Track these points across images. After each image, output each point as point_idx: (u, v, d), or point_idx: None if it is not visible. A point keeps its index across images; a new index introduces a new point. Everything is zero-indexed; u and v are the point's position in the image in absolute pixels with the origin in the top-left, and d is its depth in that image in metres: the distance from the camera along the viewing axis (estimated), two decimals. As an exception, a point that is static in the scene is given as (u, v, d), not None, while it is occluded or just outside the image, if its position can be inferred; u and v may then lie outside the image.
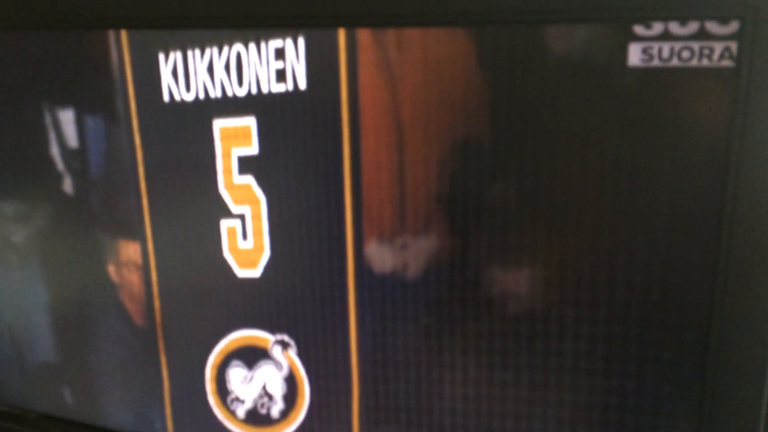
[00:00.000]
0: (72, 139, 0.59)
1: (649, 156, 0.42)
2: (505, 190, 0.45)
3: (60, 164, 0.60)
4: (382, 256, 0.49)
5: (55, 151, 0.60)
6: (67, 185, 0.60)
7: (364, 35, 0.45)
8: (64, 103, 0.58)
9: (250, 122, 0.51)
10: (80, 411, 0.68)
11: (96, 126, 0.57)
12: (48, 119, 0.59)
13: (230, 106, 0.51)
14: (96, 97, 0.56)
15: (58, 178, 0.61)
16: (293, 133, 0.49)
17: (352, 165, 0.48)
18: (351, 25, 0.46)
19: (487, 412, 0.49)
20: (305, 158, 0.50)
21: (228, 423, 0.60)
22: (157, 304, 0.59)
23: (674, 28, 0.40)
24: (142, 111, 0.54)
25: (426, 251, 0.48)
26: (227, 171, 0.53)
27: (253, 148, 0.51)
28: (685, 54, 0.40)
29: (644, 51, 0.41)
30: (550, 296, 0.46)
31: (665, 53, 0.40)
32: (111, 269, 0.61)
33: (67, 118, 0.58)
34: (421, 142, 0.46)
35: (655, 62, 0.40)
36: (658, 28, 0.40)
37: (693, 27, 0.39)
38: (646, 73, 0.41)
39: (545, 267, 0.45)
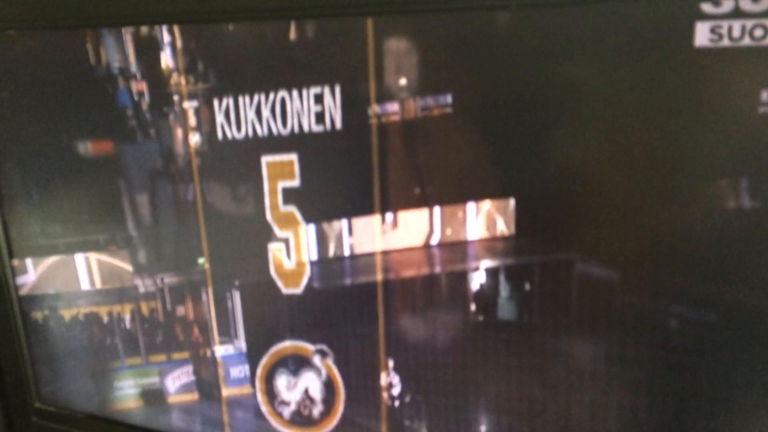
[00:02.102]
0: (140, 180, 0.63)
1: (718, 142, 0.39)
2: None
3: (129, 205, 0.65)
4: (407, 278, 0.54)
5: (124, 193, 0.64)
6: (138, 231, 0.65)
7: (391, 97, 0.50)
8: (134, 144, 0.63)
9: (293, 157, 0.56)
10: (132, 415, 0.71)
11: (160, 170, 0.62)
12: (121, 163, 0.64)
13: (276, 143, 0.56)
14: (157, 136, 0.61)
15: (127, 219, 0.65)
16: (331, 168, 0.55)
17: (381, 196, 0.53)
18: (378, 14, 0.47)
19: (518, 409, 0.53)
20: (341, 190, 0.55)
21: (276, 423, 0.64)
22: (217, 354, 0.65)
23: (745, 4, 0.36)
24: (199, 148, 0.60)
25: (456, 258, 0.53)
26: (273, 201, 0.58)
27: (295, 181, 0.56)
28: (758, 32, 0.36)
29: (713, 30, 0.37)
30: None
31: (736, 32, 0.37)
32: (178, 330, 0.66)
33: (137, 159, 0.63)
34: (441, 184, 0.51)
35: (725, 42, 0.37)
36: (727, 5, 0.37)
37: (766, 3, 0.36)
38: (714, 54, 0.38)
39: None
